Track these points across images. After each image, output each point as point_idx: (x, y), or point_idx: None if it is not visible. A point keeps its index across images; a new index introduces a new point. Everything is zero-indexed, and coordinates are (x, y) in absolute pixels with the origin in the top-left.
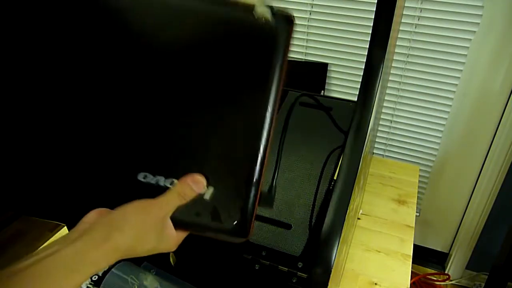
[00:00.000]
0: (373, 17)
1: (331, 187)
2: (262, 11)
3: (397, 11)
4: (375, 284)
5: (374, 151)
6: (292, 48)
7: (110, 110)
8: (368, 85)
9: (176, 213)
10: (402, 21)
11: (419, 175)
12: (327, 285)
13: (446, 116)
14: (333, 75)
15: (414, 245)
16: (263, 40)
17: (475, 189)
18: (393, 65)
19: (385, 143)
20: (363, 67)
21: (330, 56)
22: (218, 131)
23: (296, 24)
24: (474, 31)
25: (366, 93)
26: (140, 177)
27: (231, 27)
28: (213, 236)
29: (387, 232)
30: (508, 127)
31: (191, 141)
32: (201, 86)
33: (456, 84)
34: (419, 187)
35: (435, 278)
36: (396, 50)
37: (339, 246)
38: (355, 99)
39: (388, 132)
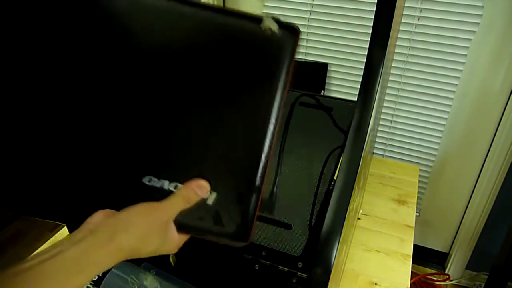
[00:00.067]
0: (373, 17)
1: (331, 187)
2: (269, 23)
3: (397, 11)
4: (375, 284)
5: (374, 151)
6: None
7: (116, 113)
8: (368, 85)
9: (179, 216)
10: (402, 21)
11: (419, 175)
12: (327, 285)
13: (446, 116)
14: (333, 75)
15: (414, 245)
16: (270, 51)
17: (475, 189)
18: (393, 65)
19: (385, 143)
20: (363, 67)
21: (330, 56)
22: (222, 138)
23: (301, 34)
24: (474, 31)
25: (366, 93)
26: (145, 180)
27: (239, 38)
28: (214, 240)
29: (387, 232)
30: (508, 127)
31: (195, 147)
32: (208, 93)
33: (456, 84)
34: (419, 187)
35: (435, 278)
36: (396, 50)
37: (339, 246)
38: (355, 99)
39: (388, 132)
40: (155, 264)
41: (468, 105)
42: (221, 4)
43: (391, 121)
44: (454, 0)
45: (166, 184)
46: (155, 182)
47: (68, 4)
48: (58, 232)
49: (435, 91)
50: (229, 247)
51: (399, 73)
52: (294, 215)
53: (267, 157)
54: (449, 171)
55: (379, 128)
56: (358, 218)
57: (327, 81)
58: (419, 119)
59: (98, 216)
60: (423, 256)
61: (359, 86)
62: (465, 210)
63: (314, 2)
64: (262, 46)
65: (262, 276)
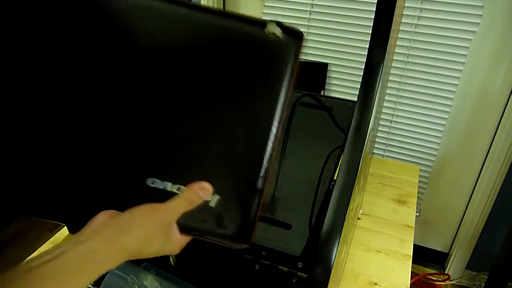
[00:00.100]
0: (373, 17)
1: (331, 187)
2: (272, 28)
3: (397, 11)
4: (375, 284)
5: (374, 151)
6: None
7: (120, 115)
8: (368, 85)
9: (182, 218)
10: (402, 21)
11: (419, 175)
12: (327, 285)
13: (446, 116)
14: (333, 75)
15: (414, 245)
16: (273, 55)
17: (475, 189)
18: (393, 65)
19: (385, 143)
20: (363, 67)
21: (330, 56)
22: (225, 140)
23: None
24: (474, 31)
25: (366, 93)
26: (149, 182)
27: (243, 42)
28: (215, 241)
29: (387, 232)
30: (508, 127)
31: (198, 149)
32: (211, 96)
33: (456, 84)
34: (419, 187)
35: (435, 278)
36: (396, 50)
37: (339, 246)
38: (355, 99)
39: (388, 132)
40: (155, 264)
41: (468, 105)
42: (221, 4)
43: (391, 121)
44: (454, 0)
45: (169, 186)
46: (158, 184)
47: (68, 6)
48: (58, 232)
49: (435, 91)
50: (229, 247)
51: (399, 73)
52: (294, 215)
53: (269, 160)
54: (449, 171)
55: (379, 128)
56: (358, 218)
57: (327, 81)
58: (419, 119)
59: (102, 217)
60: (423, 256)
61: (359, 86)
62: (465, 210)
63: (314, 2)
64: (266, 50)
65: (262, 276)
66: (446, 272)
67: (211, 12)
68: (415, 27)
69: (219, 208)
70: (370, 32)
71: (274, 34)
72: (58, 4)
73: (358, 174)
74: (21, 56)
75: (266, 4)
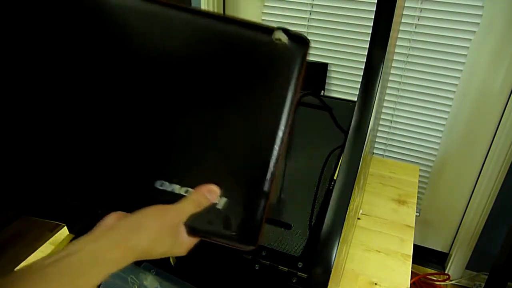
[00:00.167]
0: (373, 17)
1: (331, 187)
2: (279, 35)
3: (397, 11)
4: (375, 284)
5: (374, 151)
6: None
7: (129, 118)
8: (368, 85)
9: (190, 220)
10: (402, 21)
11: (419, 175)
12: (327, 285)
13: (446, 116)
14: (333, 75)
15: (414, 245)
16: (280, 62)
17: (475, 189)
18: (393, 65)
19: (385, 143)
20: (363, 67)
21: (330, 56)
22: (232, 144)
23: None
24: (474, 31)
25: (366, 93)
26: (157, 184)
27: (250, 48)
28: (223, 243)
29: (387, 232)
30: (508, 127)
31: (206, 152)
32: (219, 101)
33: (456, 84)
34: (419, 187)
35: (435, 278)
36: (396, 50)
37: (339, 246)
38: (355, 99)
39: (388, 132)
40: (155, 264)
41: (468, 105)
42: (221, 4)
43: (391, 121)
44: (454, 0)
45: (177, 189)
46: (167, 186)
47: (69, 11)
48: (58, 232)
49: (435, 91)
50: (235, 249)
51: (399, 73)
52: (294, 215)
53: (275, 164)
54: (449, 171)
55: (379, 128)
56: (358, 218)
57: (327, 81)
58: (419, 119)
59: (111, 218)
60: (423, 256)
61: (359, 86)
62: (465, 210)
63: (314, 2)
64: (273, 57)
65: (262, 276)
66: (446, 272)
67: (218, 18)
68: (415, 27)
69: (226, 210)
70: (370, 32)
71: (280, 40)
72: (62, 8)
73: (358, 174)
74: (28, 57)
75: (266, 4)
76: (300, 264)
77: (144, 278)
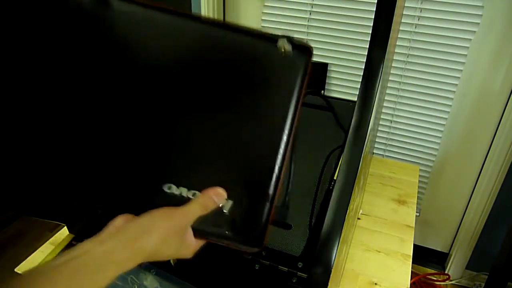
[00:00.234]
0: (373, 17)
1: (331, 187)
2: (283, 44)
3: (397, 11)
4: (375, 284)
5: (374, 151)
6: None
7: (138, 123)
8: (368, 85)
9: (196, 222)
10: (402, 21)
11: (419, 175)
12: (327, 285)
13: (446, 116)
14: (333, 75)
15: (414, 245)
16: (284, 69)
17: (475, 189)
18: (393, 65)
19: (385, 143)
20: (363, 67)
21: (330, 56)
22: (238, 149)
23: (313, 54)
24: (474, 31)
25: (366, 93)
26: (165, 187)
27: (255, 57)
28: (228, 245)
29: (387, 232)
30: (508, 127)
31: (213, 157)
32: (225, 107)
33: (456, 84)
34: (419, 187)
35: (435, 278)
36: (396, 50)
37: (339, 246)
38: (355, 99)
39: (388, 132)
40: (155, 264)
41: (468, 105)
42: (221, 4)
43: (391, 121)
44: (454, 0)
45: (184, 192)
46: (175, 190)
47: (78, 17)
48: (58, 232)
49: (435, 91)
50: (233, 249)
51: (399, 73)
52: (294, 215)
53: (280, 168)
54: (449, 171)
55: (379, 128)
56: (358, 218)
57: (327, 81)
58: (419, 119)
59: (119, 221)
60: (423, 256)
61: (359, 86)
62: (465, 210)
63: (314, 2)
64: (277, 65)
65: (262, 276)
66: (446, 272)
67: (222, 26)
68: (415, 27)
69: (233, 213)
70: (370, 32)
71: (284, 49)
72: (67, 13)
73: (358, 174)
74: (32, 58)
75: (266, 4)
76: (300, 264)
77: (144, 278)
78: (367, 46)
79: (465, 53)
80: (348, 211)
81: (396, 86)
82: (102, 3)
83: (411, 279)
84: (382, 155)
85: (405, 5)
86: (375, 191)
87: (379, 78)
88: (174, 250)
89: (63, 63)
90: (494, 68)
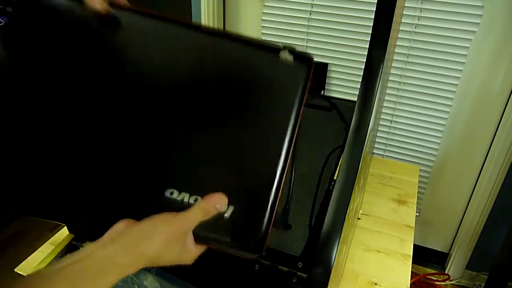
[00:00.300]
0: (373, 17)
1: (331, 187)
2: (285, 55)
3: (397, 11)
4: (375, 284)
5: (374, 151)
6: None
7: (141, 129)
8: (368, 85)
9: (197, 228)
10: (402, 21)
11: (419, 175)
12: (327, 285)
13: (446, 116)
14: (333, 75)
15: (414, 245)
16: (285, 79)
17: (475, 189)
18: (393, 65)
19: (385, 143)
20: (363, 67)
21: (330, 56)
22: (240, 155)
23: (314, 63)
24: (474, 31)
25: (366, 93)
26: (167, 193)
27: (258, 67)
28: (229, 252)
29: (387, 232)
30: (508, 127)
31: (215, 163)
32: (227, 114)
33: (456, 84)
34: (419, 187)
35: (435, 278)
36: (396, 50)
37: (339, 246)
38: (355, 99)
39: (388, 132)
40: None
41: (468, 105)
42: (222, 4)
43: (391, 121)
44: (454, 0)
45: (186, 197)
46: (176, 195)
47: (86, 28)
48: (58, 232)
49: (435, 91)
50: (241, 257)
51: (399, 73)
52: (294, 215)
53: (281, 175)
54: (449, 171)
55: (379, 128)
56: (358, 218)
57: (327, 81)
58: (419, 119)
59: (120, 225)
60: (423, 256)
61: (359, 86)
62: (465, 210)
63: (314, 2)
64: (279, 75)
65: (262, 276)
66: (446, 272)
67: (224, 36)
68: (415, 27)
69: (234, 219)
70: (370, 32)
71: (286, 60)
72: (68, 24)
73: (358, 174)
74: (38, 69)
75: (266, 4)
76: (300, 264)
77: (144, 278)
78: (367, 46)
79: (465, 53)
80: (348, 211)
81: (396, 86)
82: (104, 17)
83: (411, 279)
84: (382, 155)
85: (405, 5)
86: (375, 191)
87: (379, 78)
88: (175, 255)
89: (69, 70)
90: (494, 68)
